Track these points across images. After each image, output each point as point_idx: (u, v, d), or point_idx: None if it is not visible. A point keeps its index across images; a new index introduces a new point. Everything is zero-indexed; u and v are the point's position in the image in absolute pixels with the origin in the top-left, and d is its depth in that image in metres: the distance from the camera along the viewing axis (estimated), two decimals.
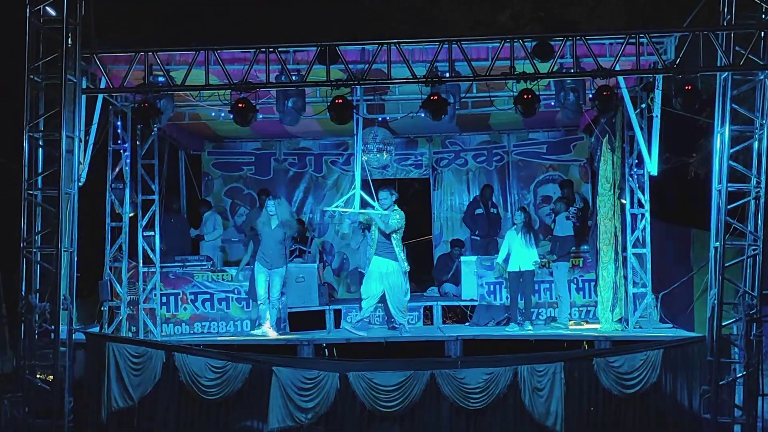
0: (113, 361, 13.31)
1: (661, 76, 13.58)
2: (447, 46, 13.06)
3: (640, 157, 14.59)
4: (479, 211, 18.01)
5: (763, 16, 12.66)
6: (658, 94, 13.91)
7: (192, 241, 17.84)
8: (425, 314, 16.10)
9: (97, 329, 14.67)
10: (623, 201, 14.77)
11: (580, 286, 15.79)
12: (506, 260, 15.19)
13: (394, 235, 14.52)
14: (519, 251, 15.04)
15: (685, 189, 17.72)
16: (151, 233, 15.26)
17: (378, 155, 15.91)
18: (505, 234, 15.63)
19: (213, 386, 13.22)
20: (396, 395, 13.07)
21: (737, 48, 12.63)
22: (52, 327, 12.81)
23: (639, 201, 14.84)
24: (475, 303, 15.92)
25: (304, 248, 17.39)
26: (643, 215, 14.80)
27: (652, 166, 14.25)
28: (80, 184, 13.47)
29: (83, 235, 13.52)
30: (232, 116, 13.55)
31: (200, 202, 18.63)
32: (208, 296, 15.45)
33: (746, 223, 12.87)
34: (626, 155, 14.84)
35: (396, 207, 14.68)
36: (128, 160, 15.01)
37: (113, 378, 13.27)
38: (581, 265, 15.83)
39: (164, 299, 15.34)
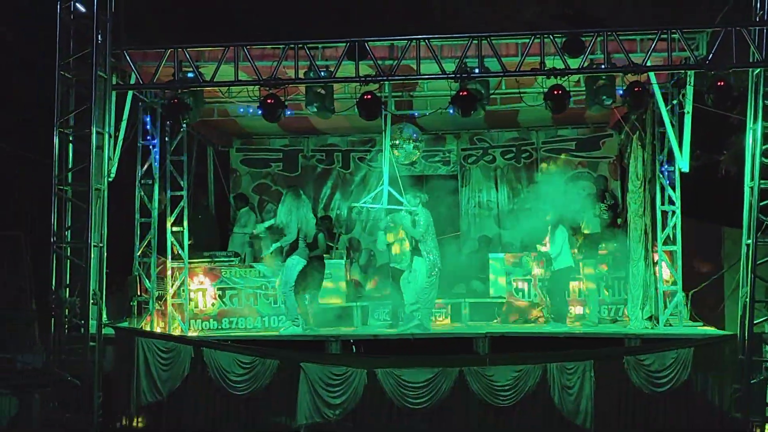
0: (142, 356, 13.33)
1: (692, 72, 13.47)
2: (476, 41, 13.02)
3: (670, 153, 14.49)
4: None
5: None
6: (689, 90, 13.80)
7: (220, 236, 17.87)
8: (453, 311, 16.05)
9: (126, 324, 14.72)
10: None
11: (610, 283, 15.68)
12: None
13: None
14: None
15: (717, 186, 17.56)
16: (180, 229, 15.31)
17: (406, 152, 15.88)
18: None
19: (241, 381, 13.23)
20: (424, 392, 13.04)
21: None
22: (82, 322, 12.89)
23: (670, 198, 14.73)
24: (503, 300, 15.87)
25: (332, 245, 17.37)
26: (674, 212, 14.68)
27: (683, 163, 14.16)
28: (110, 179, 13.54)
29: (112, 231, 13.56)
30: (260, 112, 13.56)
31: (238, 196, 18.60)
32: (235, 292, 15.49)
33: None
34: (657, 152, 14.73)
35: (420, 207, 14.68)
36: (157, 156, 15.07)
37: (142, 373, 13.29)
38: (610, 262, 15.72)
39: (192, 295, 15.40)
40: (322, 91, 13.52)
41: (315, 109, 13.59)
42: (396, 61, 13.24)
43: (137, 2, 14.97)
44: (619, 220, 16.01)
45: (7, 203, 16.94)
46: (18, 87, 17.44)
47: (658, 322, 14.40)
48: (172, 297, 15.15)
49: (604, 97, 13.17)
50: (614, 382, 12.95)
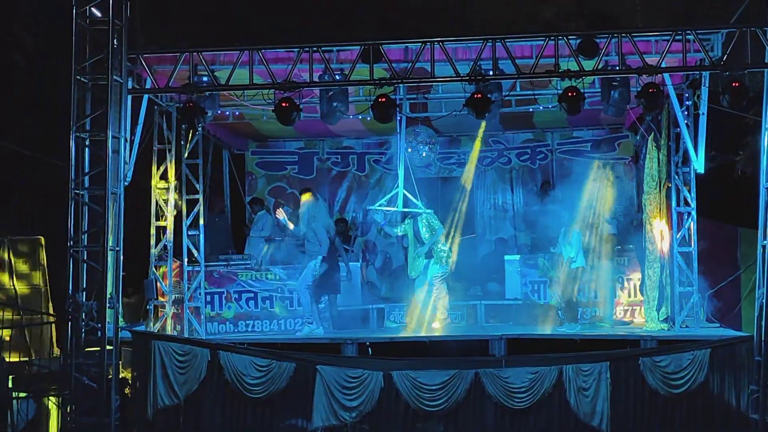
0: (159, 360, 13.37)
1: (707, 73, 13.43)
2: (491, 43, 13.01)
3: (686, 155, 14.46)
4: None
5: None
6: (704, 91, 13.77)
7: (236, 240, 17.90)
8: (469, 313, 16.04)
9: (142, 328, 14.77)
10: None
11: (625, 285, 15.65)
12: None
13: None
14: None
15: (732, 187, 17.52)
16: (196, 232, 15.34)
17: (421, 154, 15.88)
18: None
19: (258, 384, 13.25)
20: (440, 394, 13.03)
21: None
22: (99, 325, 12.91)
23: (685, 199, 14.69)
24: (519, 302, 15.86)
25: (348, 247, 17.39)
26: (689, 214, 14.65)
27: (698, 164, 14.12)
28: (126, 183, 13.58)
29: (128, 235, 13.61)
30: (275, 116, 13.58)
31: (253, 200, 18.62)
32: (251, 295, 15.52)
33: None
34: (672, 153, 14.70)
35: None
36: (173, 160, 15.11)
37: (159, 376, 13.34)
38: (626, 263, 15.69)
39: (209, 298, 15.44)
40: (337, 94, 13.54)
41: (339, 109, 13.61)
42: (410, 64, 13.24)
43: (152, 7, 15.03)
44: (634, 222, 15.97)
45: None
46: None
47: (674, 324, 14.37)
48: (189, 300, 15.20)
49: (619, 97, 13.16)
50: (630, 384, 12.92)
